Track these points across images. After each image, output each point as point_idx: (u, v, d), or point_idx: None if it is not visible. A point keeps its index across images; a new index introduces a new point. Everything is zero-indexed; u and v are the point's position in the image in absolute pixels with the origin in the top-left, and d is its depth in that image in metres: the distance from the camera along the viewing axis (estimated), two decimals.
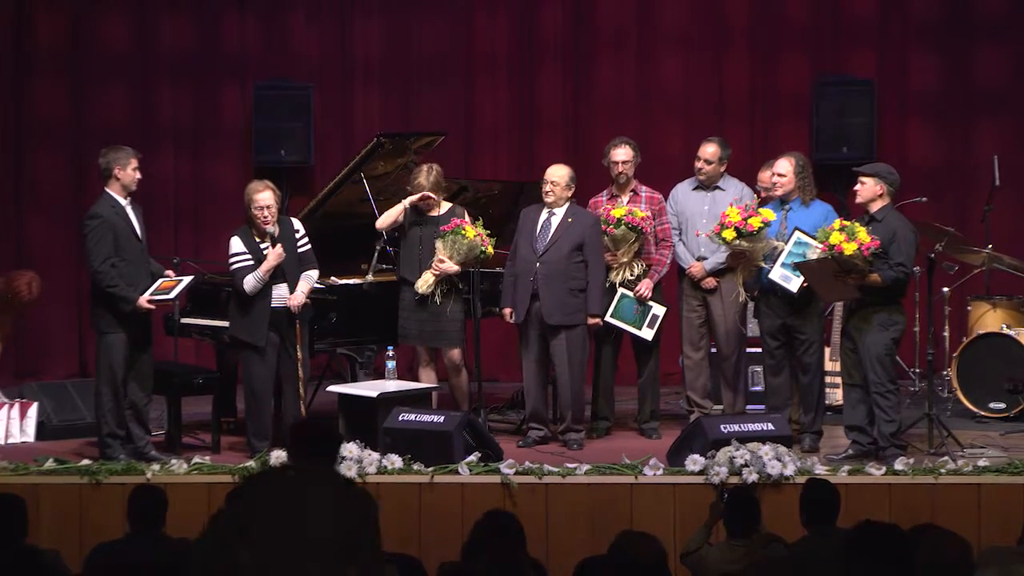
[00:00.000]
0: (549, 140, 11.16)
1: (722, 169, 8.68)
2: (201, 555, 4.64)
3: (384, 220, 8.58)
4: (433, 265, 8.38)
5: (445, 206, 8.59)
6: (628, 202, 8.61)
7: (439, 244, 8.37)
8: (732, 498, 5.97)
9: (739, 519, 5.77)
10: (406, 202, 8.50)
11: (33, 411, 8.62)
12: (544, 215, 8.36)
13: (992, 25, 11.01)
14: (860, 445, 7.80)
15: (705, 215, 8.57)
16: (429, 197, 8.46)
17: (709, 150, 8.66)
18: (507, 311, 8.42)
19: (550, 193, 8.32)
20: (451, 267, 8.36)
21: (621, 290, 8.51)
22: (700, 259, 8.62)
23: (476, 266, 8.42)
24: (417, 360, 8.78)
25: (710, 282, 8.62)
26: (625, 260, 8.50)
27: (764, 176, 8.65)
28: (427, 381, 8.54)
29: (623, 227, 8.40)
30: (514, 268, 8.39)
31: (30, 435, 8.59)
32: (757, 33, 11.15)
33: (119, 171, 7.82)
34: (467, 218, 8.52)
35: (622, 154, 8.64)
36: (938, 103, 11.05)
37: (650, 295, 8.54)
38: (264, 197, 7.96)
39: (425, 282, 8.39)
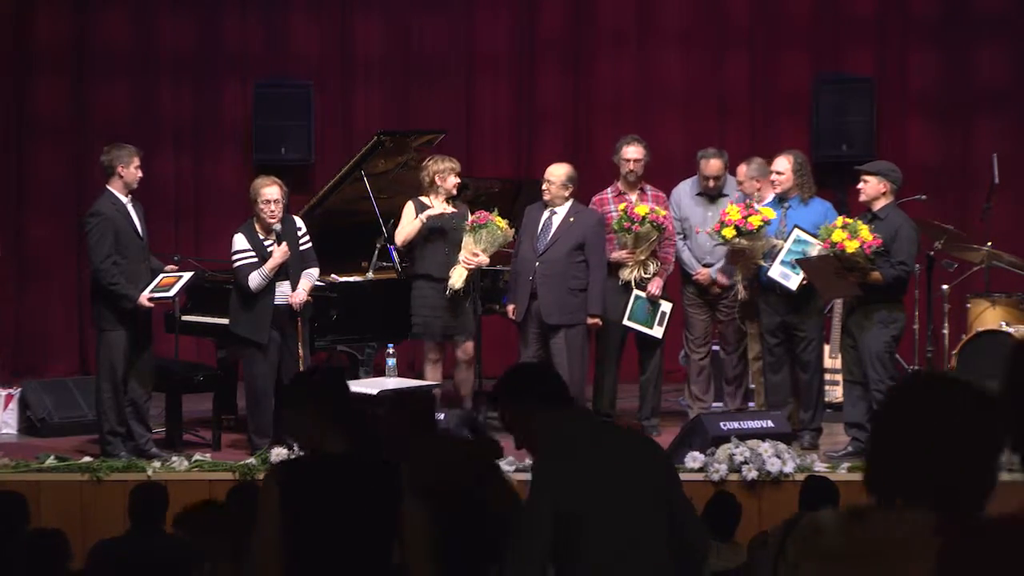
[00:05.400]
0: (549, 138, 11.16)
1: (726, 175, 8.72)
2: None
3: (404, 236, 8.49)
4: (465, 259, 8.36)
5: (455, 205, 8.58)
6: (636, 199, 8.60)
7: (468, 238, 8.33)
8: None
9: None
10: (423, 217, 8.43)
11: (15, 404, 8.63)
12: (546, 214, 8.36)
13: (992, 23, 11.00)
14: (860, 442, 7.79)
15: (710, 221, 8.55)
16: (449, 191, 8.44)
17: (715, 164, 8.64)
18: (510, 308, 8.43)
19: (546, 191, 8.33)
20: (484, 260, 8.34)
21: (635, 292, 8.50)
22: (706, 266, 8.63)
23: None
24: (424, 358, 8.76)
25: (716, 288, 8.64)
26: (643, 258, 8.48)
27: (741, 171, 8.61)
28: (432, 379, 8.53)
29: (647, 224, 8.37)
30: (516, 265, 8.41)
31: (12, 427, 8.62)
32: (757, 31, 11.14)
33: (122, 169, 7.82)
34: (470, 216, 8.52)
35: (634, 152, 8.62)
36: (938, 101, 11.04)
37: (660, 293, 8.55)
38: (271, 191, 7.95)
39: (460, 276, 8.35)
